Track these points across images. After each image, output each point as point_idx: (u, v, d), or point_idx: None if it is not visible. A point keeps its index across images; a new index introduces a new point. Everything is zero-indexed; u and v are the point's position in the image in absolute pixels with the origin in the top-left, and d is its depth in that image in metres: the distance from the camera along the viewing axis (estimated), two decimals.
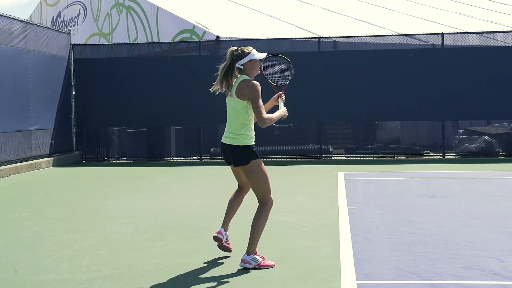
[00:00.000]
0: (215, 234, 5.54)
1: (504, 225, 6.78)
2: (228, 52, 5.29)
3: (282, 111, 5.42)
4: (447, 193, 9.14)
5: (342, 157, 15.41)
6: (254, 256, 5.16)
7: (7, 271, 5.28)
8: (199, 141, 15.75)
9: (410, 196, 8.90)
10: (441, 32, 15.31)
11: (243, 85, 5.19)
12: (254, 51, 5.27)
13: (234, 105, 5.24)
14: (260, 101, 5.16)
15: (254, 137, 5.30)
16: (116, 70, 15.74)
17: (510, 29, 18.34)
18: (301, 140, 15.70)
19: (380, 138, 16.61)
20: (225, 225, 5.60)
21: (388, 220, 7.11)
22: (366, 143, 16.24)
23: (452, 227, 6.68)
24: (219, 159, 14.89)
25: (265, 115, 5.18)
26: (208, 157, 15.62)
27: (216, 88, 5.35)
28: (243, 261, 5.17)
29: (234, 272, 5.12)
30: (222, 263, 5.42)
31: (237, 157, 5.23)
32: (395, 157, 15.17)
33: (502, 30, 17.26)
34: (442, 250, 5.62)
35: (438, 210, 7.69)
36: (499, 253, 5.52)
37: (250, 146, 5.22)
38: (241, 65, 5.24)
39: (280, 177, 11.49)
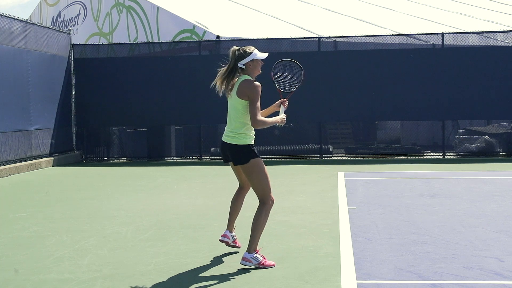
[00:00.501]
0: (221, 238, 5.69)
1: (505, 224, 6.78)
2: (231, 52, 5.30)
3: (280, 117, 5.44)
4: (447, 193, 9.14)
5: (342, 157, 15.42)
6: (255, 254, 5.17)
7: (8, 271, 5.28)
8: (199, 141, 15.76)
9: (411, 196, 8.90)
10: (441, 32, 15.31)
11: (244, 84, 5.21)
12: (256, 51, 5.29)
13: (235, 105, 5.26)
14: (258, 103, 5.18)
15: (254, 136, 5.32)
16: (116, 70, 15.74)
17: (510, 29, 18.35)
18: (301, 140, 15.71)
19: (380, 137, 16.62)
20: (229, 226, 5.70)
21: (388, 220, 7.11)
22: (366, 143, 16.25)
23: (452, 226, 6.68)
24: (219, 158, 14.89)
25: (259, 117, 5.19)
26: (208, 157, 15.62)
27: (218, 86, 5.35)
28: (243, 259, 5.19)
29: (234, 271, 5.12)
30: (223, 262, 5.43)
31: (237, 156, 5.25)
32: (395, 157, 15.17)
33: (502, 30, 17.27)
34: (442, 250, 5.63)
35: (438, 210, 7.69)
36: (499, 252, 5.52)
37: (249, 146, 5.24)
38: (243, 64, 5.26)
39: (280, 176, 11.49)
